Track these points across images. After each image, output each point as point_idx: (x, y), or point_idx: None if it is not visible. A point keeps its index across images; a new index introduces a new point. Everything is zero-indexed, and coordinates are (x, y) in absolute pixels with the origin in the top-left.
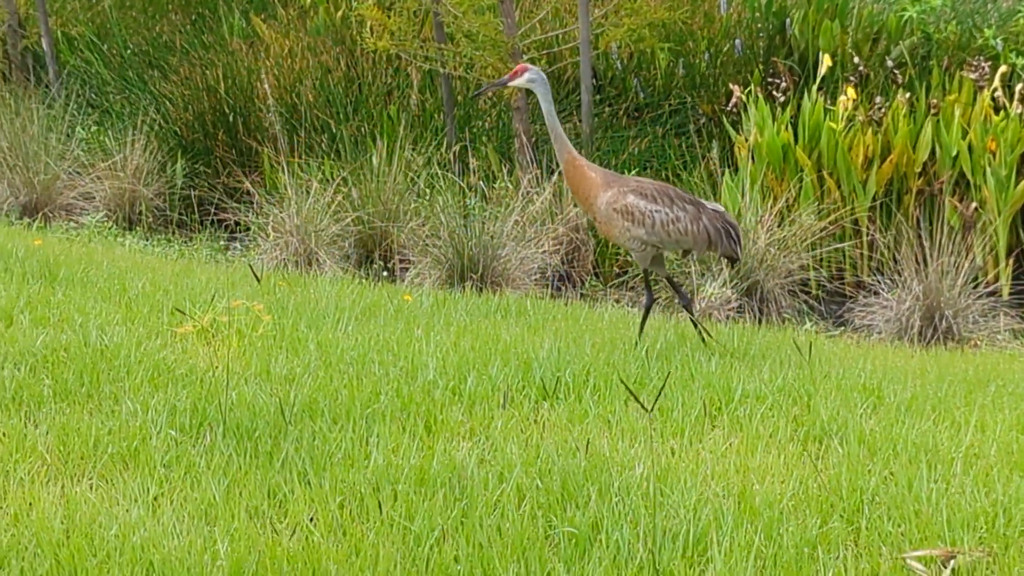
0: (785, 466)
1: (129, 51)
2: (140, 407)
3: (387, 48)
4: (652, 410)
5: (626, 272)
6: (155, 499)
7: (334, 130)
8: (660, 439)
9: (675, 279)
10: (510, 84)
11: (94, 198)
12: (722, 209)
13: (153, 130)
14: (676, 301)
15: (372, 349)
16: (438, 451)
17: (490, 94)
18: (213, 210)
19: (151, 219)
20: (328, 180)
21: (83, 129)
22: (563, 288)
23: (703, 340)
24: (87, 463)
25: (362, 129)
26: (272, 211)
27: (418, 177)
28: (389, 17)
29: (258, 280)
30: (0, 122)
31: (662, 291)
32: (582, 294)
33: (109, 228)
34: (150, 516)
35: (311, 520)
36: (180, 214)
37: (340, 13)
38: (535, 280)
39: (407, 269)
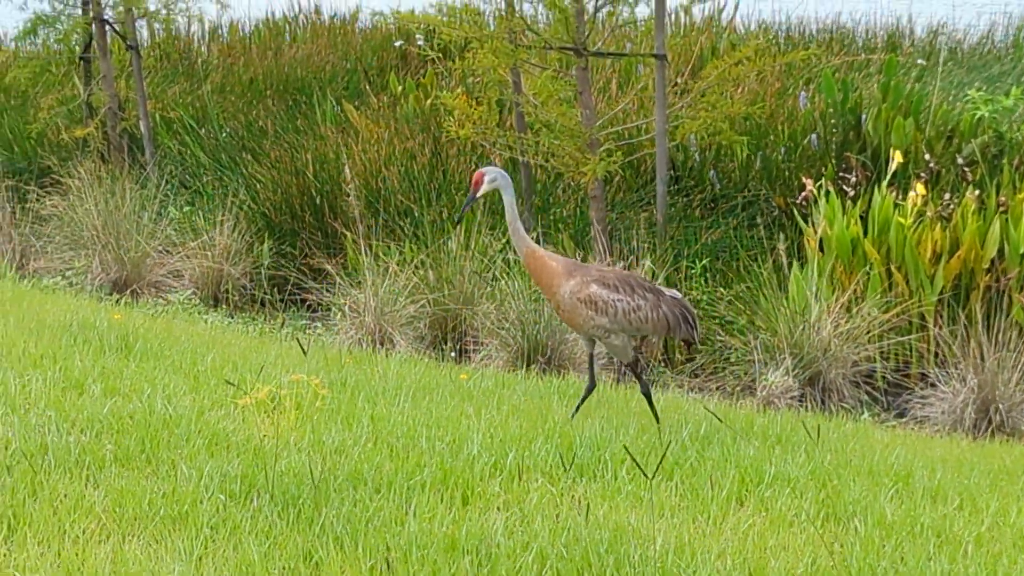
0: (802, 545)
1: (224, 134)
2: (195, 472)
3: (469, 136)
4: (653, 477)
5: (692, 360)
6: (199, 559)
7: (417, 214)
8: (687, 516)
9: (638, 365)
10: (478, 196)
11: (182, 276)
12: (679, 296)
13: (242, 211)
14: (624, 375)
15: (422, 424)
16: (470, 520)
17: (570, 181)
18: (296, 290)
19: (236, 297)
20: (406, 263)
21: (175, 209)
22: (628, 373)
23: (656, 419)
24: (139, 524)
25: (443, 214)
26: (350, 292)
27: (493, 262)
28: (472, 106)
29: (304, 352)
30: (95, 200)
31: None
32: (650, 381)
33: (195, 305)
34: (192, 572)
35: None
36: (265, 293)
37: (429, 101)
38: (602, 364)
39: (478, 351)
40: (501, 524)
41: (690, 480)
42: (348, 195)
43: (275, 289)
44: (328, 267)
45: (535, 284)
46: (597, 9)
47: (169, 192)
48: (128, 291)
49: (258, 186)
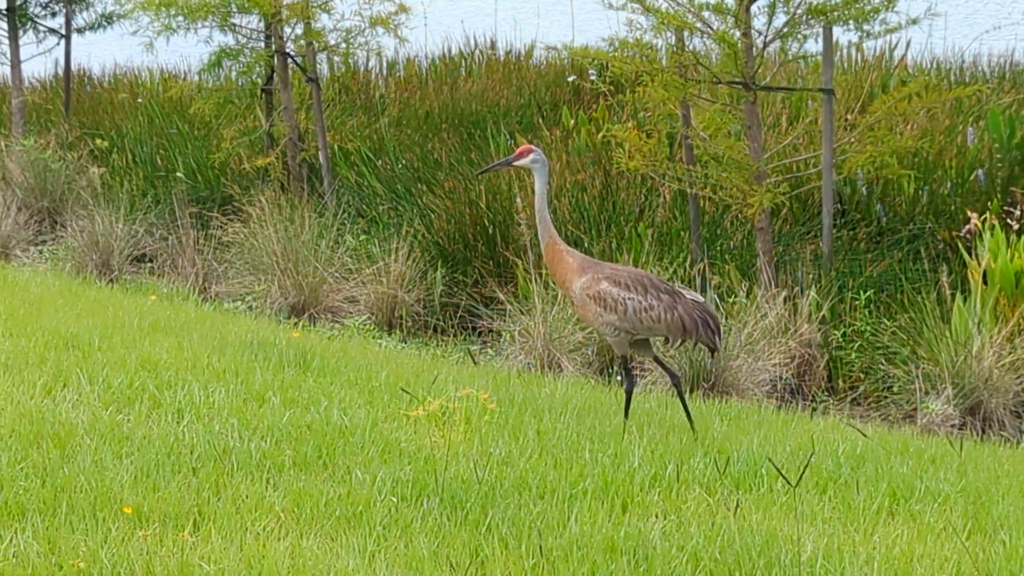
0: (948, 555)
1: (400, 166)
2: (368, 477)
3: (639, 168)
4: (796, 485)
5: (856, 388)
6: (372, 555)
7: (586, 245)
8: (838, 526)
9: (662, 359)
10: (515, 164)
11: (358, 301)
12: (702, 300)
13: (416, 240)
14: (669, 381)
15: (586, 438)
16: (629, 525)
17: (737, 213)
18: (468, 316)
19: (410, 323)
20: None
21: (352, 237)
22: (792, 400)
23: (691, 425)
24: (316, 523)
25: (612, 244)
26: (520, 318)
27: None
28: (642, 139)
29: (475, 363)
30: (275, 228)
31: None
32: (812, 407)
33: (369, 329)
34: (366, 566)
35: None
36: (437, 319)
37: (600, 135)
38: (765, 391)
39: (644, 376)
40: (658, 529)
41: (843, 494)
42: (519, 224)
43: (447, 315)
44: (499, 294)
45: (551, 277)
46: (766, 44)
47: (346, 221)
48: (305, 315)
49: (432, 216)
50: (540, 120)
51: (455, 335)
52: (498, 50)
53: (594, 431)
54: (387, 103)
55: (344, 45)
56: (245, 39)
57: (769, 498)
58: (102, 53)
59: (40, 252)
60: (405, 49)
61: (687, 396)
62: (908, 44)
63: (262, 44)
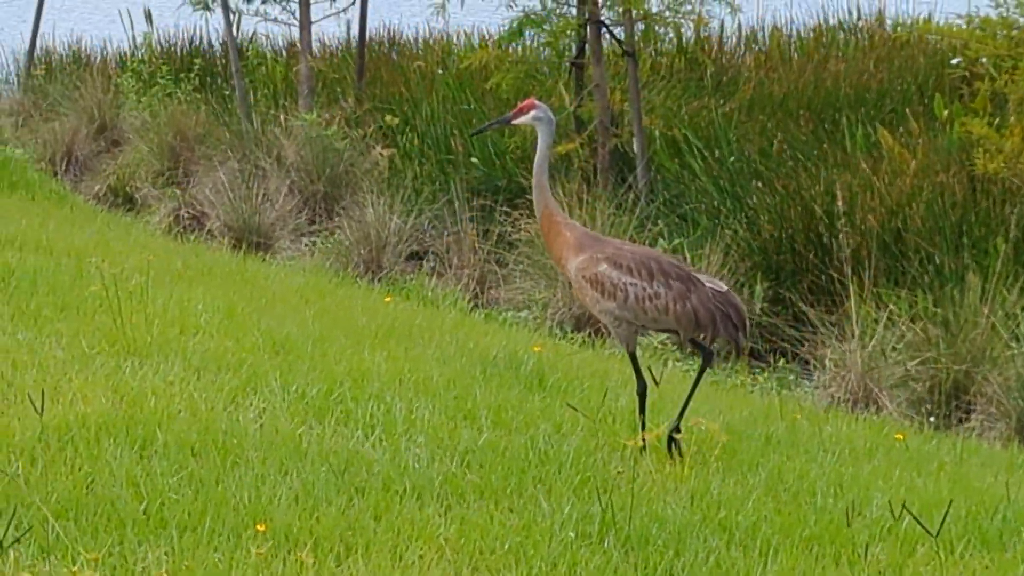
0: None
1: (732, 159)
2: (553, 509)
3: (998, 171)
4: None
5: None
6: None
7: (938, 261)
8: None
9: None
10: (514, 122)
11: None
12: (725, 289)
13: (736, 246)
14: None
15: (831, 483)
16: None
17: None
18: (793, 340)
19: (719, 344)
20: (902, 313)
21: (664, 240)
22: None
23: (680, 415)
24: (480, 556)
25: (958, 262)
26: (835, 345)
27: (1016, 323)
28: (1007, 135)
29: (656, 384)
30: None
31: None
32: None
33: (667, 349)
34: None
35: None
36: (753, 343)
37: (960, 129)
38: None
39: (969, 418)
40: None
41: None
42: (840, 232)
43: (761, 336)
44: (810, 314)
45: (547, 253)
46: None
47: (659, 220)
48: (592, 328)
49: (761, 219)
50: (910, 110)
51: (775, 359)
52: (885, 23)
53: (840, 475)
54: (740, 82)
55: (669, 13)
56: (553, 4)
57: None
58: (389, 15)
59: (312, 243)
60: (771, 16)
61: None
62: None
63: (572, 11)
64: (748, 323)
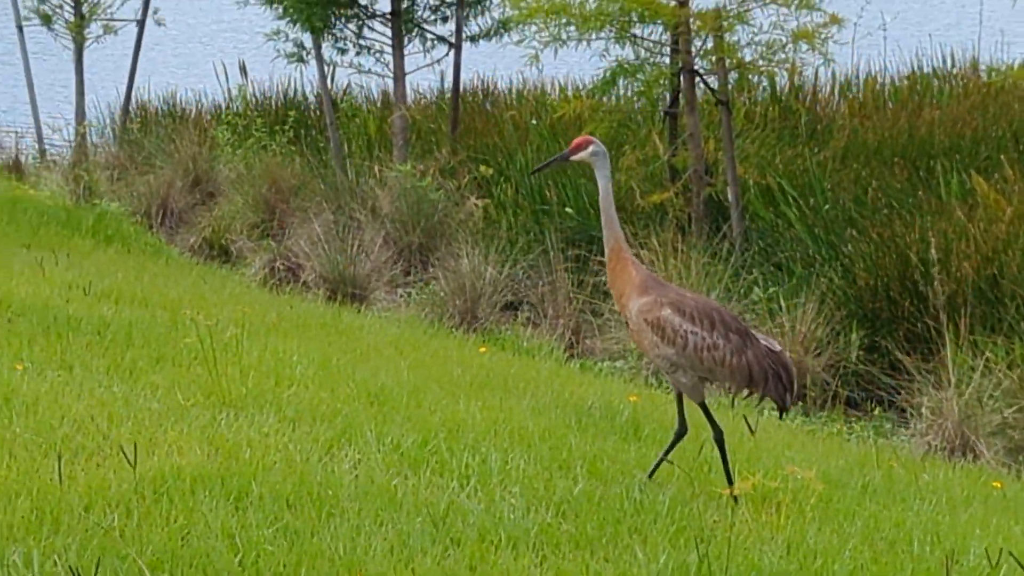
0: None
1: (827, 207)
2: (648, 559)
3: None
4: None
5: None
6: None
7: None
8: None
9: (711, 411)
10: (572, 159)
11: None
12: (779, 349)
13: (831, 294)
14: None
15: (928, 532)
16: None
17: None
18: (889, 389)
19: (815, 393)
20: (996, 362)
21: (760, 289)
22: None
23: (729, 480)
24: None
25: None
26: (931, 393)
27: None
28: None
29: (752, 432)
30: (667, 275)
31: None
32: None
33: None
34: None
35: None
36: (850, 390)
37: None
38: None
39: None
40: None
41: None
42: (935, 279)
43: (857, 385)
44: (905, 361)
45: (610, 289)
46: None
47: (753, 269)
48: None
49: (857, 266)
50: (1005, 156)
51: (871, 408)
52: (979, 70)
53: (943, 523)
54: (834, 130)
55: (762, 62)
56: (646, 53)
57: None
58: (480, 66)
59: (407, 294)
60: (864, 65)
61: None
62: None
63: (665, 60)
64: (796, 385)
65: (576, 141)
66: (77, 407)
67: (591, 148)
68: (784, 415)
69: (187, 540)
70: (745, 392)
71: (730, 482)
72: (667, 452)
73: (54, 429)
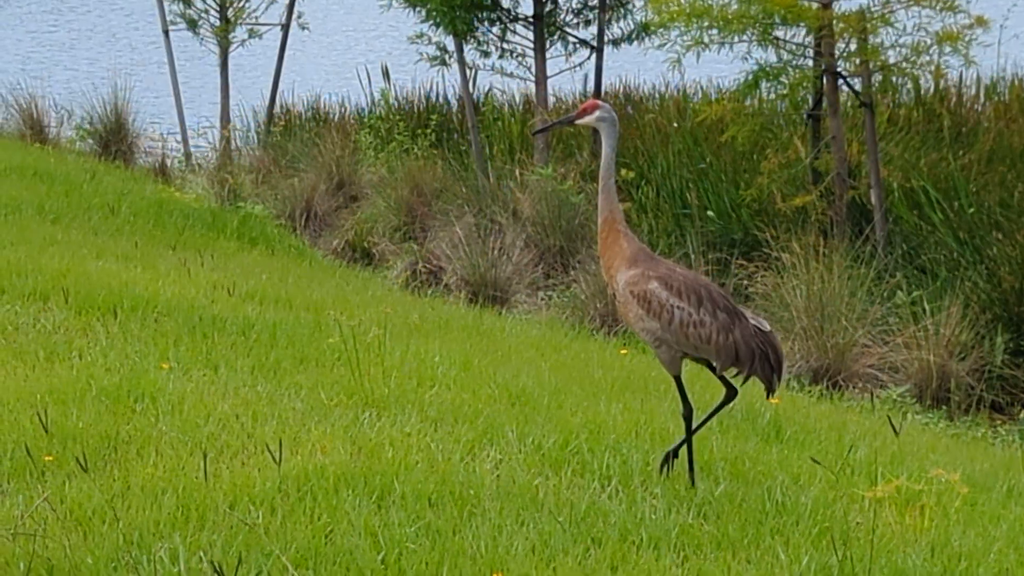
0: None
1: (972, 210)
2: (791, 560)
3: None
4: None
5: None
6: None
7: None
8: None
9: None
10: (577, 122)
11: (897, 369)
12: (767, 329)
13: (976, 297)
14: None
15: None
16: None
17: None
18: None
19: (959, 397)
20: None
21: (903, 293)
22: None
23: (690, 462)
24: None
25: None
26: None
27: None
28: None
29: (896, 433)
30: (806, 280)
31: None
32: None
33: (908, 403)
34: None
35: None
36: (996, 395)
37: None
38: None
39: None
40: None
41: None
42: None
43: (1001, 389)
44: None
45: (600, 259)
46: None
47: (895, 272)
48: (829, 381)
49: (1002, 270)
50: None
51: (1017, 411)
52: None
53: None
54: (979, 133)
55: (906, 64)
56: (789, 56)
57: None
58: (622, 69)
59: (548, 297)
60: (1010, 67)
61: None
62: None
63: (808, 62)
64: (784, 367)
65: (585, 104)
66: (222, 406)
67: (598, 113)
68: (771, 395)
69: (330, 538)
70: (733, 371)
71: (690, 462)
72: (713, 414)
73: (199, 427)
